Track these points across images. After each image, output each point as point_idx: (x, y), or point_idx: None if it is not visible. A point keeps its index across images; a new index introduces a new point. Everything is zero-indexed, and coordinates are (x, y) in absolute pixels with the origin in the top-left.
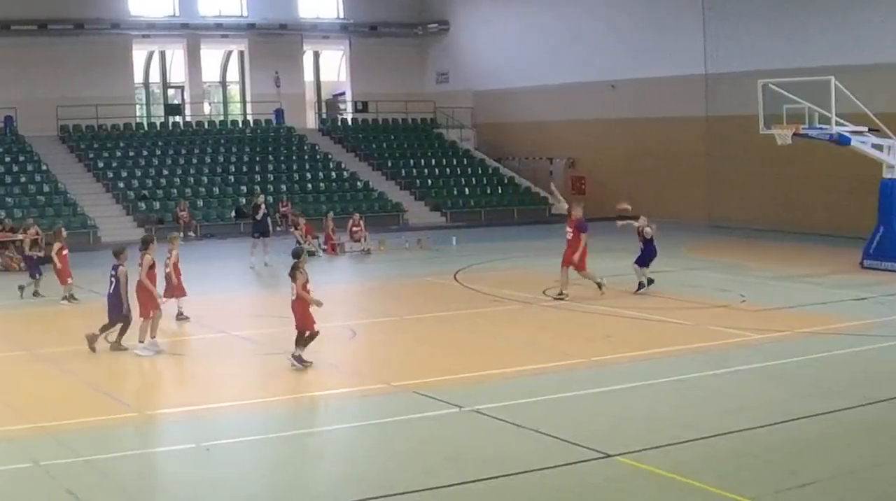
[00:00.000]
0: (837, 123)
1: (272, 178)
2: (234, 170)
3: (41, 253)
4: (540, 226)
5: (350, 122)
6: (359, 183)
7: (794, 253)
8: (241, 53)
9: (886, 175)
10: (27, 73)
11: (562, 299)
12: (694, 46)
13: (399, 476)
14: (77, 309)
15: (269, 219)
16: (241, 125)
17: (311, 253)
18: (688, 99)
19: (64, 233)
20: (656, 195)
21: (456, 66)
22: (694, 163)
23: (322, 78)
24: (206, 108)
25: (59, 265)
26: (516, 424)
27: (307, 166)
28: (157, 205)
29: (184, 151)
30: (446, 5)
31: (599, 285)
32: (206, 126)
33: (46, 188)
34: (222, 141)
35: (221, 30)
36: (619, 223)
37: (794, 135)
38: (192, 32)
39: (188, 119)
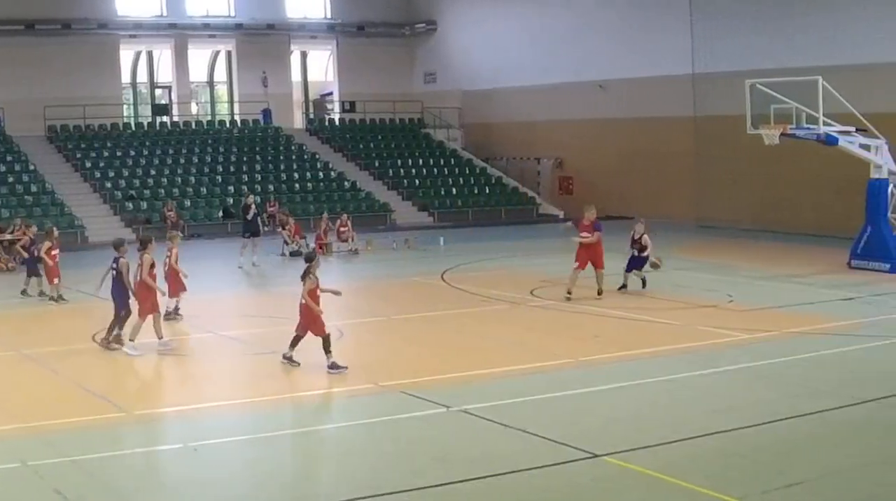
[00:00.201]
0: (825, 123)
1: (259, 178)
2: (221, 170)
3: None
4: (527, 227)
5: (337, 122)
6: (346, 183)
7: (782, 253)
8: (229, 53)
9: (874, 175)
10: (14, 73)
11: (569, 298)
12: (681, 47)
13: (387, 476)
14: (64, 310)
15: (259, 219)
16: (228, 125)
17: (298, 254)
18: (676, 99)
19: (56, 232)
20: (644, 195)
21: (443, 66)
22: (682, 163)
23: (309, 78)
24: (194, 108)
25: (49, 263)
26: (504, 424)
27: (294, 166)
28: (144, 205)
29: (171, 151)
30: (434, 5)
31: (600, 291)
32: (193, 126)
33: (34, 188)
34: (210, 141)
35: (209, 30)
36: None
37: (782, 135)
38: (179, 32)
39: (175, 119)
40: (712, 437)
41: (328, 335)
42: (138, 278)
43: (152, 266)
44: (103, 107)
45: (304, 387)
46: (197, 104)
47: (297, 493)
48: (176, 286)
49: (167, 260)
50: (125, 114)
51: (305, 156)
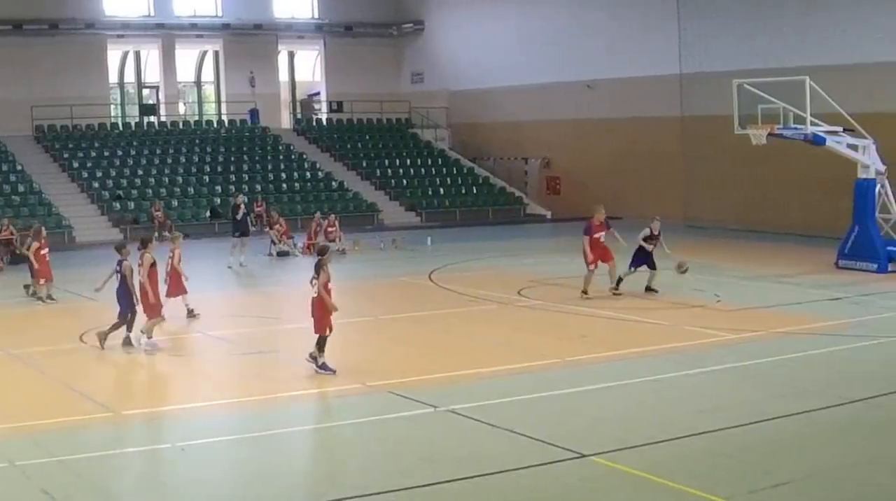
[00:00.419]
0: (812, 123)
1: (247, 178)
2: (208, 170)
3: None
4: (515, 227)
5: (325, 122)
6: (334, 183)
7: (769, 253)
8: (216, 53)
9: (861, 175)
10: (1, 73)
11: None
12: (669, 46)
13: (374, 476)
14: (52, 310)
15: (248, 219)
16: (215, 125)
17: (285, 254)
18: (663, 99)
19: (44, 232)
20: (632, 195)
21: (431, 66)
22: (669, 163)
23: (297, 78)
24: (181, 108)
25: (36, 265)
26: (491, 424)
27: (282, 166)
28: (131, 205)
29: (158, 151)
30: (421, 5)
31: (585, 291)
32: (180, 126)
33: (21, 188)
34: (197, 141)
35: (196, 30)
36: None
37: (769, 135)
38: (166, 32)
39: (163, 119)
40: (699, 437)
41: (326, 337)
42: (140, 278)
43: (153, 265)
44: (91, 107)
45: (292, 387)
46: (184, 104)
47: (284, 493)
48: (177, 288)
49: (170, 260)
50: (112, 114)
51: (293, 157)
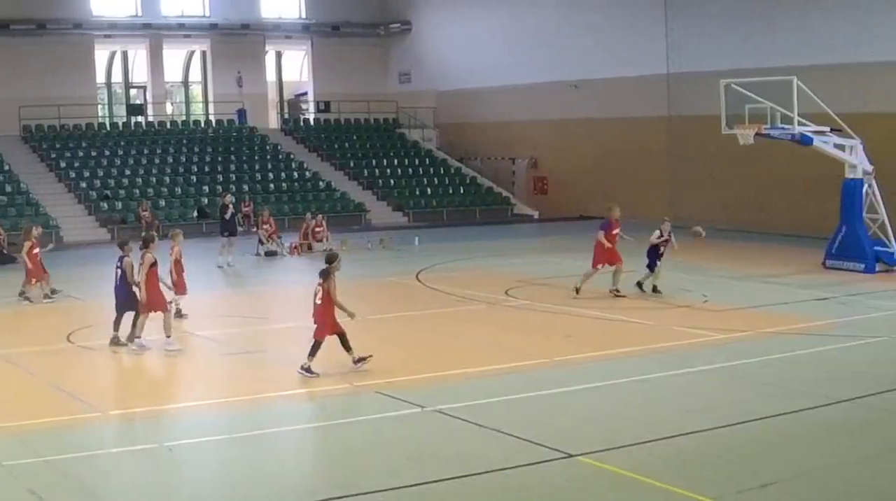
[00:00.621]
0: (800, 123)
1: (234, 178)
2: (196, 170)
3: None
4: (502, 227)
5: (312, 122)
6: (321, 183)
7: (757, 253)
8: (204, 53)
9: (848, 175)
10: None
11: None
12: (656, 46)
13: (362, 476)
14: (40, 309)
15: (236, 219)
16: (203, 125)
17: (273, 254)
18: (650, 99)
19: (34, 231)
20: (619, 195)
21: (418, 66)
22: (656, 163)
23: (284, 78)
24: (169, 108)
25: (29, 265)
26: (479, 424)
27: (269, 166)
28: (119, 205)
29: (146, 151)
30: (408, 5)
31: (578, 289)
32: (168, 126)
33: (8, 188)
34: (184, 141)
35: (184, 30)
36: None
37: (757, 135)
38: (154, 32)
39: (150, 119)
40: (687, 437)
41: (322, 342)
42: (137, 277)
43: (153, 264)
44: (78, 107)
45: (280, 387)
46: (172, 104)
47: (272, 493)
48: (182, 285)
49: (169, 258)
50: (100, 114)
51: (280, 156)
